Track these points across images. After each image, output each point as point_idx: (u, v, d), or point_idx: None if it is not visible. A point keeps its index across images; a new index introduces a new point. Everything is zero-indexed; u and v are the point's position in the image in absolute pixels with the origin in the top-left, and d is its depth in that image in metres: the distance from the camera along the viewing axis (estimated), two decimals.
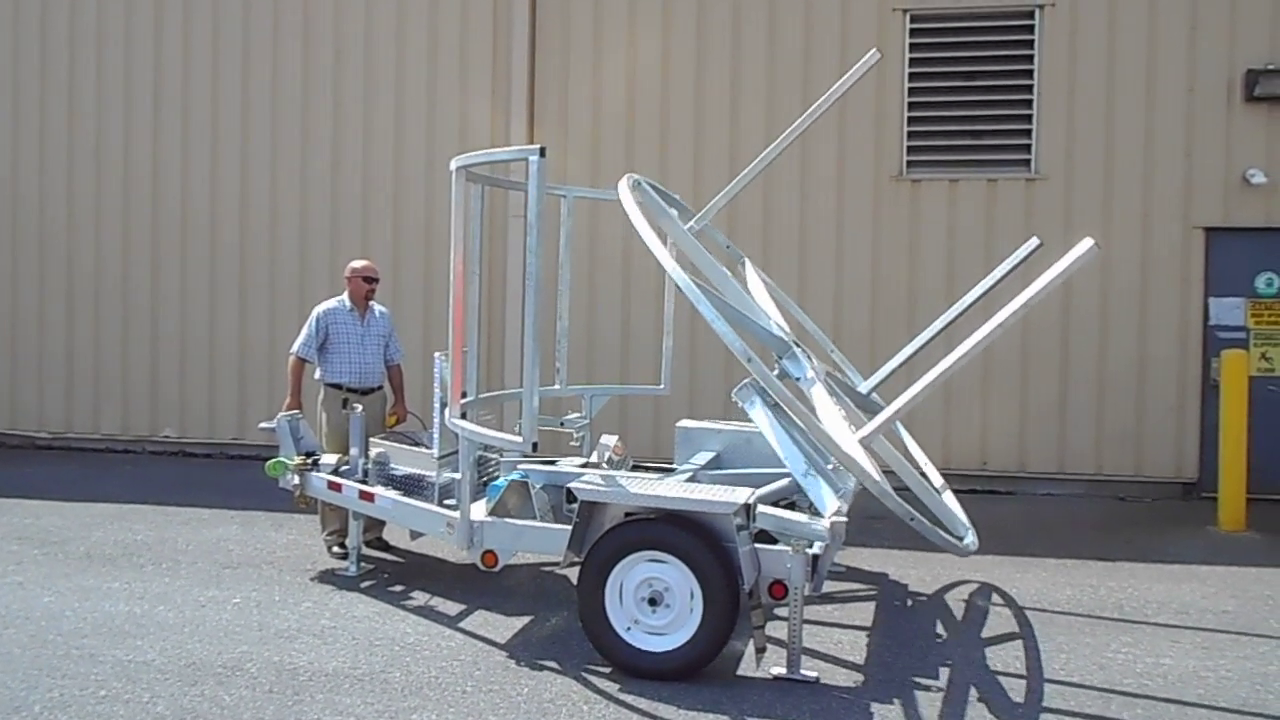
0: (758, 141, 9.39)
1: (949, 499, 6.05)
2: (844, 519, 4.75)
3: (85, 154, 10.57)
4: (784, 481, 5.58)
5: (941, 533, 5.34)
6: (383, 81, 10.03)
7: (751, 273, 7.06)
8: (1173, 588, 6.23)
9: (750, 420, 5.47)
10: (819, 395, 5.43)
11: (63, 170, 10.62)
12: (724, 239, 7.39)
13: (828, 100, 6.68)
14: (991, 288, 6.59)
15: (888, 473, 5.25)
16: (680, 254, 6.16)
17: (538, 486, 5.53)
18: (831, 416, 5.18)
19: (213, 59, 10.32)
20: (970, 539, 5.60)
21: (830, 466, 5.28)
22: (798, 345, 5.97)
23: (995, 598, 6.01)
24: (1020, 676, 4.77)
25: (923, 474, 6.14)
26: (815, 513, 5.18)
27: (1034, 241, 6.61)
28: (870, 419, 6.07)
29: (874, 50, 6.76)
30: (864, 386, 6.76)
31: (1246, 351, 8.37)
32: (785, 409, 4.86)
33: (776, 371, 5.75)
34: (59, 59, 10.58)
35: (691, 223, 6.71)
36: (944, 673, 4.80)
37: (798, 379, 5.75)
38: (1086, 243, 4.60)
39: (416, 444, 6.25)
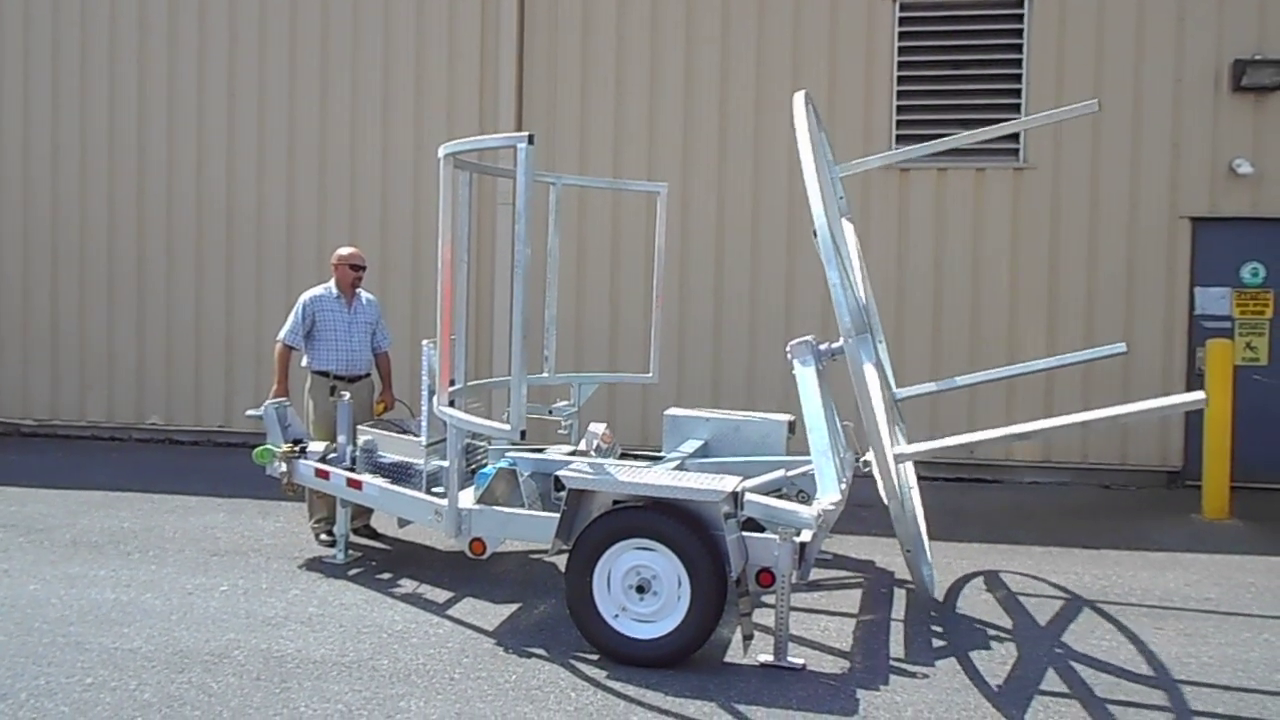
0: (747, 128, 9.40)
1: (923, 533, 6.04)
2: (832, 508, 4.77)
3: (70, 142, 10.49)
4: (774, 474, 5.59)
5: (923, 570, 5.37)
6: (370, 67, 9.97)
7: (851, 236, 6.76)
8: (1157, 575, 6.28)
9: (794, 377, 5.37)
10: (876, 388, 5.33)
11: (47, 159, 10.53)
12: (841, 189, 7.00)
13: (1026, 124, 6.55)
14: (1072, 363, 6.59)
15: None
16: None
17: (526, 474, 5.53)
18: (883, 416, 5.08)
19: (199, 45, 10.24)
20: (934, 586, 5.59)
21: (843, 454, 5.25)
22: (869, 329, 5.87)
23: (981, 585, 6.05)
24: (1005, 662, 4.80)
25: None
26: (803, 501, 5.19)
27: (1121, 346, 6.56)
28: (894, 425, 6.03)
29: (1094, 100, 6.54)
30: (900, 393, 6.71)
31: (1231, 341, 8.41)
32: (856, 391, 4.77)
33: (838, 344, 5.64)
34: (42, 47, 10.50)
35: (836, 168, 6.55)
36: (929, 659, 4.83)
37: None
38: (1199, 395, 4.59)
39: (404, 432, 6.25)
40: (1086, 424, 4.74)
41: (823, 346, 5.57)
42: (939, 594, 5.84)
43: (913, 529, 5.35)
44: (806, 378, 5.31)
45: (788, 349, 5.50)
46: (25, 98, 10.55)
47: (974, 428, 9.10)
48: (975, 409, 9.06)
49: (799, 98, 5.32)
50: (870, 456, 5.46)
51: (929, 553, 5.93)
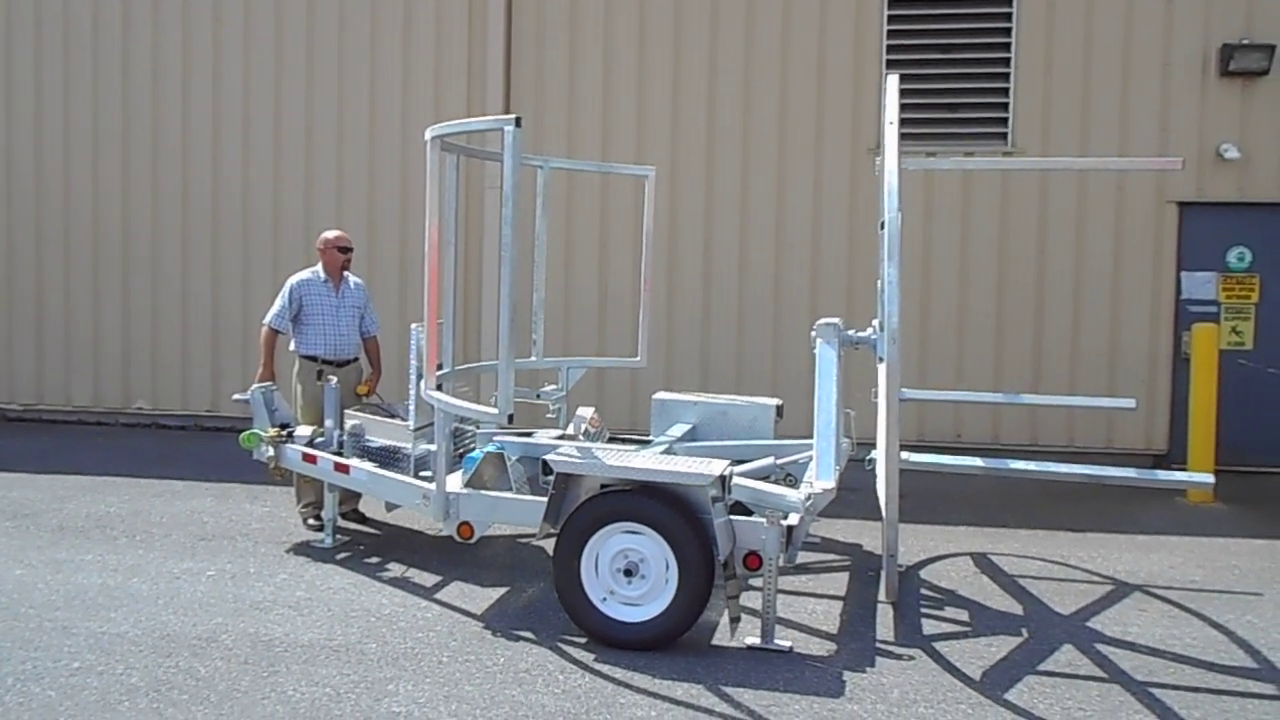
0: (735, 115, 9.37)
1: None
2: (821, 492, 4.77)
3: (53, 125, 10.38)
4: (763, 461, 5.60)
5: (895, 575, 5.40)
6: (357, 49, 9.89)
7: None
8: (1141, 557, 6.33)
9: (815, 356, 5.36)
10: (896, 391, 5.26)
11: (29, 141, 10.43)
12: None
13: (1107, 166, 6.43)
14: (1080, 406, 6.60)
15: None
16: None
17: (514, 458, 5.54)
18: (896, 421, 5.03)
19: (184, 26, 10.14)
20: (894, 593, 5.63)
21: (844, 443, 5.23)
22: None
23: (967, 568, 6.08)
24: (990, 644, 4.83)
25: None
26: (789, 484, 5.20)
27: (1130, 402, 6.53)
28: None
29: (1179, 158, 6.45)
30: (904, 393, 6.70)
31: (1217, 325, 8.45)
32: (880, 388, 4.76)
33: (864, 334, 5.63)
34: (24, 29, 10.39)
35: (909, 163, 6.49)
36: (916, 641, 4.86)
37: (881, 359, 5.66)
38: (1210, 481, 4.60)
39: (392, 416, 6.24)
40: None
41: (849, 332, 5.57)
42: (929, 578, 5.87)
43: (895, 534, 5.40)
44: (827, 359, 5.30)
45: (813, 328, 5.50)
46: (8, 79, 10.45)
47: (961, 415, 9.15)
48: (961, 381, 9.06)
49: (892, 80, 5.23)
50: (875, 455, 5.47)
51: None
